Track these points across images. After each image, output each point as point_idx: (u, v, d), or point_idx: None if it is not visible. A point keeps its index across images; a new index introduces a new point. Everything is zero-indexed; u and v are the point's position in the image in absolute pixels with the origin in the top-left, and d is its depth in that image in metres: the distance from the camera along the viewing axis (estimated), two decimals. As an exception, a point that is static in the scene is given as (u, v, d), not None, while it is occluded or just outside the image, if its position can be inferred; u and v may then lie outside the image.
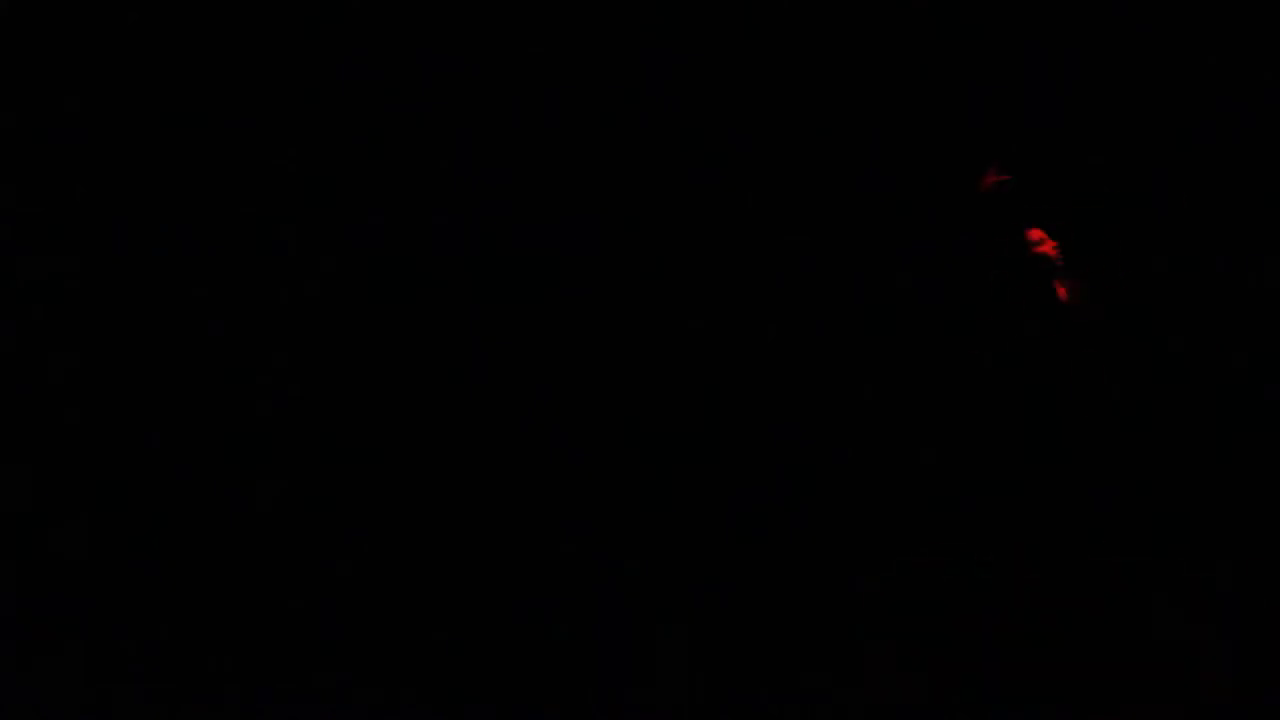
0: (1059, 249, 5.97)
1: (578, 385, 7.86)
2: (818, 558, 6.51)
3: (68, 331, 7.53)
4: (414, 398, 7.86)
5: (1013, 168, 6.37)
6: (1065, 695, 4.90)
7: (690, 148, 7.78)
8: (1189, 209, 7.16)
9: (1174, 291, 7.13)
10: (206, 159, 7.60)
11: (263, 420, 7.68)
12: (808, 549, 6.58)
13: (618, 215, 7.82)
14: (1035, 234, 5.99)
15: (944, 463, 6.26)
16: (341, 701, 4.74)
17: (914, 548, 6.54)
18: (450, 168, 7.84)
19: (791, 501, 7.20)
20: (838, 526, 6.91)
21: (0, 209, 7.31)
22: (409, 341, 7.88)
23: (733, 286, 7.75)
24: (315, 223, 7.79)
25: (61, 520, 6.79)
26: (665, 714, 4.71)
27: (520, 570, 6.25)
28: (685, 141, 7.79)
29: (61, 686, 4.80)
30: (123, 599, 5.73)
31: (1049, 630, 5.58)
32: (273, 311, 7.74)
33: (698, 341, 7.79)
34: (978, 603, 5.83)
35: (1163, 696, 4.89)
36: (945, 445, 6.06)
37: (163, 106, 7.56)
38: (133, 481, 7.26)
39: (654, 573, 6.26)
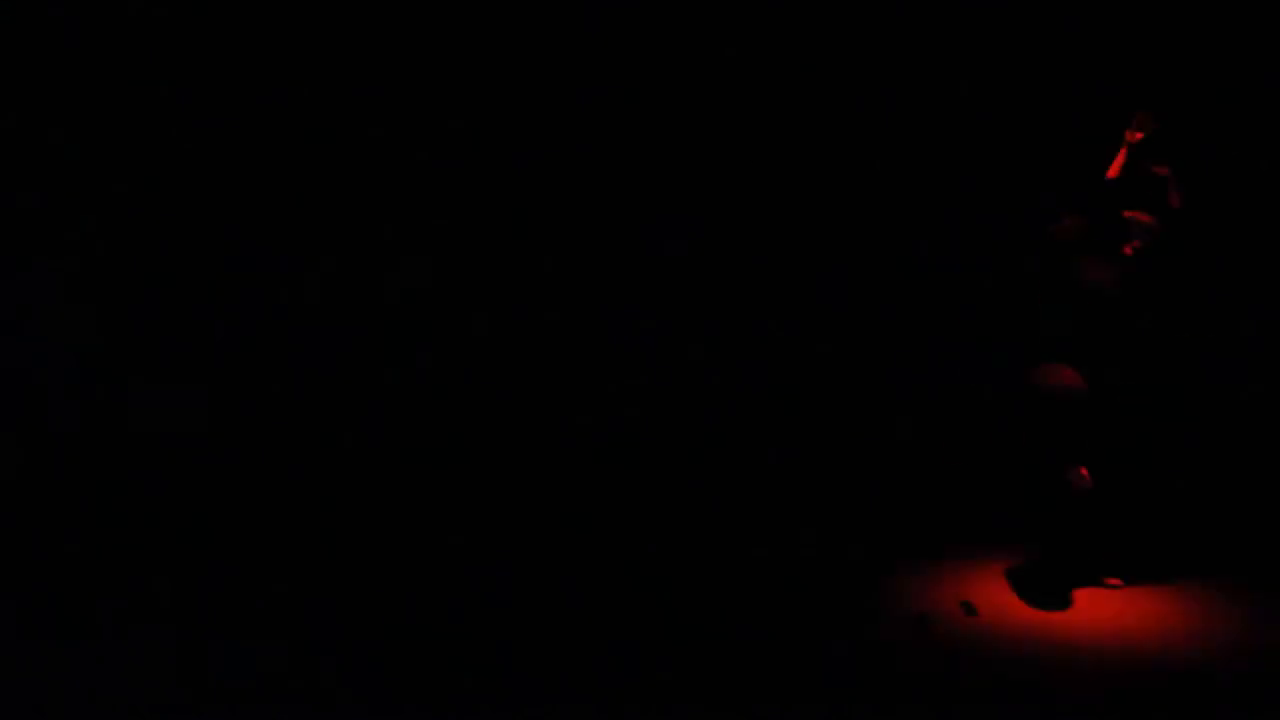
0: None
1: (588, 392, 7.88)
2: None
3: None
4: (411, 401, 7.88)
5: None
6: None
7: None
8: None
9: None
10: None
11: (264, 423, 7.70)
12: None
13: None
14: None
15: None
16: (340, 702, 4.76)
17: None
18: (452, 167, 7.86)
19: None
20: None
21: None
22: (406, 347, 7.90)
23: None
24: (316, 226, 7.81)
25: (61, 521, 6.81)
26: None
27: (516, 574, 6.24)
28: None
29: (60, 686, 4.82)
30: (121, 599, 5.73)
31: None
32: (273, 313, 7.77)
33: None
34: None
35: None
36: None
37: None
38: (132, 480, 7.27)
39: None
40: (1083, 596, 5.90)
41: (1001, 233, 7.43)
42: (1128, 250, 5.76)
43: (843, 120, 7.71)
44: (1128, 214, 5.79)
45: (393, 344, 7.83)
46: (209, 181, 7.67)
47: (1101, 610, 5.77)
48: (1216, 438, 7.28)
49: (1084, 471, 5.66)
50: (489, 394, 7.86)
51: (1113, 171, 5.84)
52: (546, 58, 7.72)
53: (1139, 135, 5.80)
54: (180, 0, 7.45)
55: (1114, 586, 5.97)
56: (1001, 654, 5.30)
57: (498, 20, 7.69)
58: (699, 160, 7.82)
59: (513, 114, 7.78)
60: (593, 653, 5.21)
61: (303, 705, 4.75)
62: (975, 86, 7.56)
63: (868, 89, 7.65)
